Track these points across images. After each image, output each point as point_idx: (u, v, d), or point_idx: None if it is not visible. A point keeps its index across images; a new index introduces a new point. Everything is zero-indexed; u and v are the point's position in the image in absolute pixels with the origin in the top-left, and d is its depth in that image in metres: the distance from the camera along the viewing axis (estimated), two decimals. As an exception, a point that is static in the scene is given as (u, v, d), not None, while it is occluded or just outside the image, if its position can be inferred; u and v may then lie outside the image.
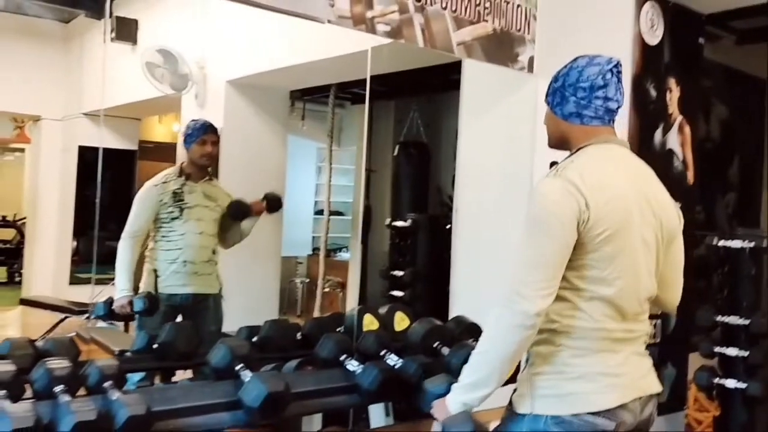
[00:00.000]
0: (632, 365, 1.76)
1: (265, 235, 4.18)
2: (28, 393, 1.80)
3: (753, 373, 2.67)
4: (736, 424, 2.74)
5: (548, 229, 1.65)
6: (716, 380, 2.77)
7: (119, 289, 2.99)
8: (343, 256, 5.83)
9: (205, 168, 3.18)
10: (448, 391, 1.82)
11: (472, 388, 1.73)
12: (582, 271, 1.69)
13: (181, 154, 3.25)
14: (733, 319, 2.70)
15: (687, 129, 3.06)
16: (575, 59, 1.81)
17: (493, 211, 3.14)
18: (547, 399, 1.71)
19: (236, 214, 3.20)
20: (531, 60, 2.99)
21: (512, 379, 2.34)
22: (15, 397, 1.72)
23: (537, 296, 1.62)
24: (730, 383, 2.71)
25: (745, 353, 2.67)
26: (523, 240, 1.69)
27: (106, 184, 3.15)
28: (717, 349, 2.76)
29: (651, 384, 1.82)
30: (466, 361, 2.30)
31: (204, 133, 3.13)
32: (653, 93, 2.89)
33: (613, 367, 1.72)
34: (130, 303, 2.94)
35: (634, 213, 1.73)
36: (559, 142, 1.86)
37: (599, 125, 1.79)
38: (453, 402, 1.76)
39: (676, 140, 3.02)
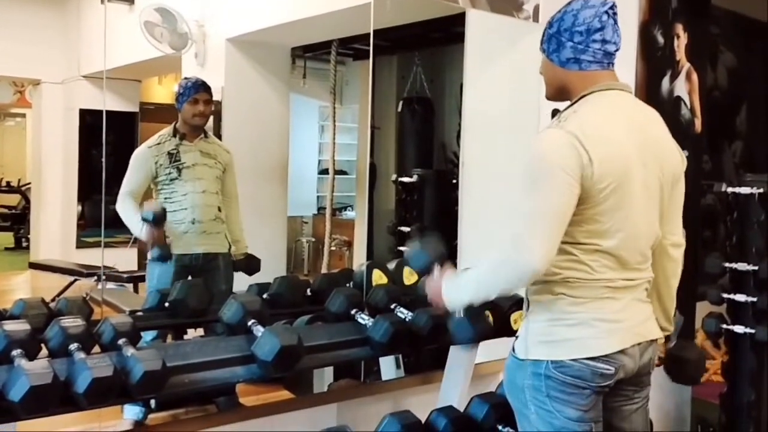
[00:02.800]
0: (632, 311, 1.78)
1: (271, 196, 4.18)
2: (43, 352, 1.82)
3: (761, 319, 2.69)
4: (745, 369, 2.76)
5: (555, 180, 1.63)
6: (724, 326, 2.78)
7: (137, 231, 2.97)
8: (349, 214, 5.82)
9: (200, 127, 3.14)
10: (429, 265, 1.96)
11: (467, 301, 1.90)
12: (583, 225, 1.69)
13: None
14: (742, 266, 2.70)
15: (694, 76, 3.03)
16: (569, 3, 1.77)
17: (499, 163, 3.12)
18: (547, 345, 1.74)
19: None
20: (536, 9, 2.95)
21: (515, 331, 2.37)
22: (31, 355, 1.74)
23: (544, 250, 1.62)
24: (739, 329, 2.73)
25: (754, 299, 2.68)
26: (528, 191, 1.67)
27: (108, 147, 3.13)
28: (725, 296, 2.77)
29: (651, 330, 1.84)
30: (474, 314, 2.34)
31: (195, 91, 3.08)
32: (660, 39, 2.85)
33: (613, 313, 1.74)
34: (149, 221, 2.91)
35: (636, 163, 1.72)
36: (557, 91, 1.82)
37: (599, 70, 1.76)
38: (451, 302, 1.89)
39: (684, 87, 2.99)
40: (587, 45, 1.73)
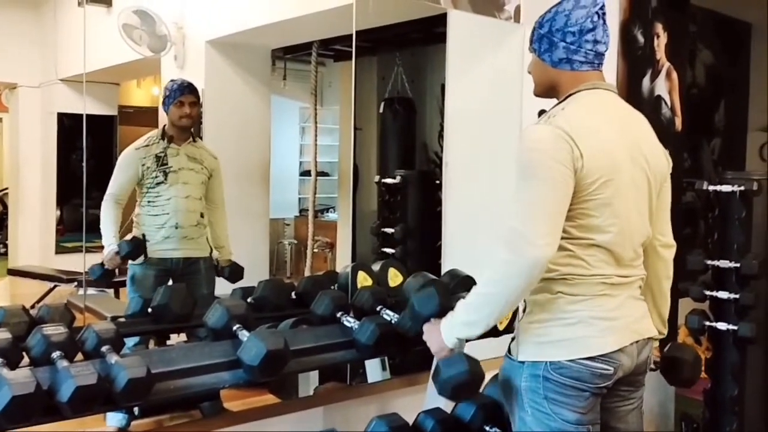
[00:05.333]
0: (628, 309, 1.78)
1: (253, 198, 4.15)
2: (25, 361, 1.79)
3: (744, 315, 2.71)
4: (728, 365, 2.78)
5: (551, 172, 1.62)
6: (707, 323, 2.80)
7: (106, 245, 2.95)
8: (331, 216, 5.80)
9: (187, 129, 3.12)
10: (438, 310, 1.87)
11: (470, 326, 1.75)
12: (576, 220, 1.69)
13: (164, 118, 3.20)
14: (724, 263, 2.72)
15: (674, 75, 3.06)
16: (559, 3, 1.77)
17: (482, 163, 3.13)
18: (545, 345, 1.73)
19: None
20: (518, 9, 2.96)
21: (509, 329, 2.37)
22: (12, 364, 1.71)
23: (545, 244, 1.61)
24: (722, 326, 2.75)
25: (736, 296, 2.70)
26: (523, 184, 1.66)
27: (87, 151, 3.10)
28: (708, 293, 2.79)
29: (647, 327, 1.84)
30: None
31: (181, 94, 3.08)
32: (641, 39, 2.87)
33: (610, 311, 1.74)
34: (118, 252, 2.90)
35: (625, 159, 1.73)
36: (546, 90, 1.83)
37: (589, 70, 1.77)
38: (449, 337, 1.78)
39: (664, 87, 3.01)
40: (579, 45, 1.74)
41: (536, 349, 1.74)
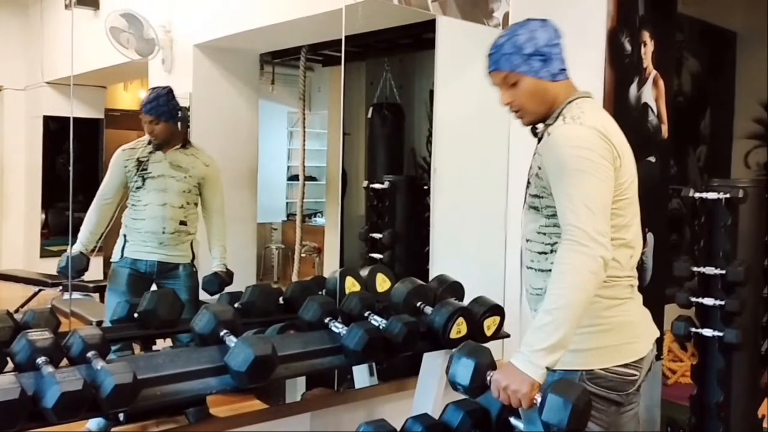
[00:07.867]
0: (643, 311, 1.81)
1: (240, 202, 4.14)
2: (9, 366, 1.77)
3: (729, 321, 2.73)
4: (713, 371, 2.80)
5: (600, 169, 1.61)
6: (693, 329, 2.82)
7: (76, 244, 2.92)
8: (318, 221, 5.79)
9: (167, 139, 3.08)
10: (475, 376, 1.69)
11: (554, 349, 1.55)
12: (611, 219, 1.67)
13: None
14: (710, 270, 2.74)
15: (661, 83, 3.07)
16: (521, 25, 1.75)
17: (470, 168, 3.14)
18: (581, 354, 1.69)
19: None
20: (506, 16, 2.98)
21: (496, 335, 2.36)
22: (-3, 370, 1.69)
23: (608, 243, 1.58)
24: (708, 332, 2.77)
25: (722, 302, 2.72)
26: (575, 183, 1.61)
27: (72, 155, 3.08)
28: (694, 300, 2.80)
29: (655, 329, 1.87)
30: (449, 319, 2.33)
31: (143, 110, 3.08)
32: (628, 47, 2.89)
33: (635, 315, 1.76)
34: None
35: (632, 162, 1.77)
36: (547, 109, 1.75)
37: (569, 79, 1.79)
38: (536, 371, 1.56)
39: (651, 94, 3.03)
40: (562, 54, 1.76)
41: (570, 358, 1.65)
